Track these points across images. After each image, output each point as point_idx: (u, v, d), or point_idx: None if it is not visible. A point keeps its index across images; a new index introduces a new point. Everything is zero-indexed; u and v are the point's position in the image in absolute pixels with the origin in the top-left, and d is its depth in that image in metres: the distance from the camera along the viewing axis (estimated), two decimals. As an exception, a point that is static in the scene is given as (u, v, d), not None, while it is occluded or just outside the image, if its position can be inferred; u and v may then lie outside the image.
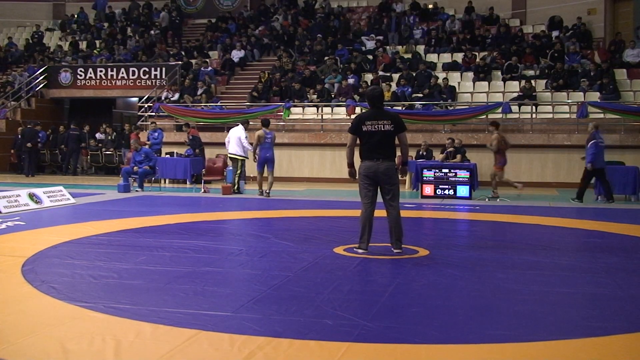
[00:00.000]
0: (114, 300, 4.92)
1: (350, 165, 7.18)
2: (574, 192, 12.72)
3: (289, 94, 19.13)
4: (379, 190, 7.00)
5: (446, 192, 13.24)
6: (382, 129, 6.83)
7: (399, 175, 7.14)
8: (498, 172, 13.19)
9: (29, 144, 19.08)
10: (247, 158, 14.18)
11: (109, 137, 20.63)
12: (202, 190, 14.54)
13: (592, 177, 12.81)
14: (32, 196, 11.13)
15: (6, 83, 22.91)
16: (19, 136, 19.95)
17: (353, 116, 17.63)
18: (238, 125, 14.36)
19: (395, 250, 6.91)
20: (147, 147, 16.56)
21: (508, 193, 14.23)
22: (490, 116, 16.92)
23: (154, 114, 19.44)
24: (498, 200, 12.92)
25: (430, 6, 23.81)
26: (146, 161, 14.89)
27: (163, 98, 20.03)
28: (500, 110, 16.58)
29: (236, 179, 14.11)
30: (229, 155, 14.31)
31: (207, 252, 7.12)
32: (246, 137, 13.96)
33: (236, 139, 13.92)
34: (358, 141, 7.03)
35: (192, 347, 3.93)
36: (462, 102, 17.99)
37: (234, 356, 3.80)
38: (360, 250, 6.92)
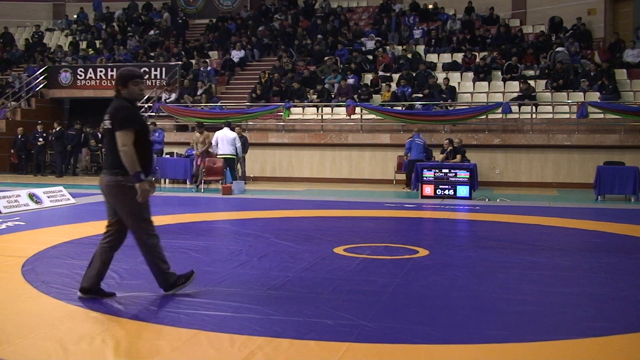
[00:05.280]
0: (114, 300, 4.92)
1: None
2: (573, 193, 12.77)
3: (289, 94, 19.13)
4: None
5: (446, 192, 13.24)
6: (104, 126, 5.07)
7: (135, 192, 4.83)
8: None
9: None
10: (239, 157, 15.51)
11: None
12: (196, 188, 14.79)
13: (413, 166, 14.32)
14: (32, 196, 11.13)
15: (6, 85, 22.90)
16: (19, 136, 19.96)
17: (353, 116, 17.87)
18: (224, 127, 15.28)
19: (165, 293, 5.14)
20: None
21: (508, 193, 14.24)
22: (491, 116, 16.95)
23: (154, 114, 19.45)
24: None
25: (430, 6, 23.81)
26: None
27: (163, 99, 20.04)
28: (500, 110, 16.57)
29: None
30: (222, 155, 14.92)
31: (207, 252, 7.13)
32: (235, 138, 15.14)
33: (229, 140, 14.90)
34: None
35: (192, 347, 3.93)
36: (462, 102, 17.99)
37: (234, 356, 3.80)
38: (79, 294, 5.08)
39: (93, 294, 4.98)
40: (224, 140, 14.84)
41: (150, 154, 5.09)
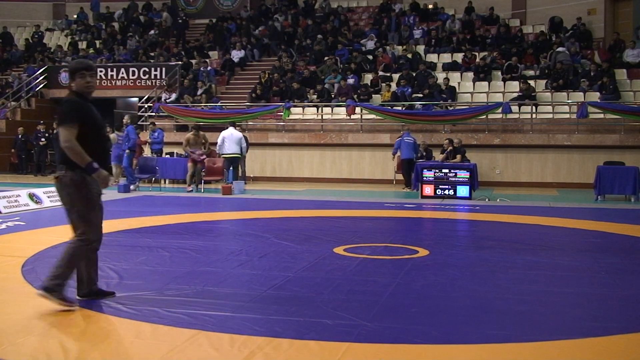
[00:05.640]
0: (114, 300, 4.92)
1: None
2: (573, 193, 12.83)
3: (289, 94, 19.14)
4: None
5: (446, 192, 13.24)
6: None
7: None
8: None
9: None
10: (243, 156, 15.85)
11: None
12: (188, 189, 14.68)
13: (407, 166, 14.88)
14: (32, 196, 11.14)
15: (6, 85, 22.90)
16: (19, 136, 19.97)
17: (353, 116, 17.87)
18: (230, 127, 15.48)
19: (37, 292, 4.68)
20: (147, 145, 16.71)
21: (508, 193, 14.25)
22: (491, 116, 16.95)
23: (154, 114, 19.44)
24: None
25: (430, 6, 23.81)
26: (126, 142, 14.87)
27: (163, 99, 20.04)
28: (500, 110, 16.57)
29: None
30: (230, 155, 15.06)
31: (207, 252, 7.12)
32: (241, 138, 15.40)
33: (236, 139, 15.07)
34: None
35: (192, 347, 3.93)
36: (462, 102, 17.99)
37: (234, 356, 3.80)
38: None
39: (92, 297, 4.94)
40: (231, 140, 15.01)
41: (104, 151, 4.76)
